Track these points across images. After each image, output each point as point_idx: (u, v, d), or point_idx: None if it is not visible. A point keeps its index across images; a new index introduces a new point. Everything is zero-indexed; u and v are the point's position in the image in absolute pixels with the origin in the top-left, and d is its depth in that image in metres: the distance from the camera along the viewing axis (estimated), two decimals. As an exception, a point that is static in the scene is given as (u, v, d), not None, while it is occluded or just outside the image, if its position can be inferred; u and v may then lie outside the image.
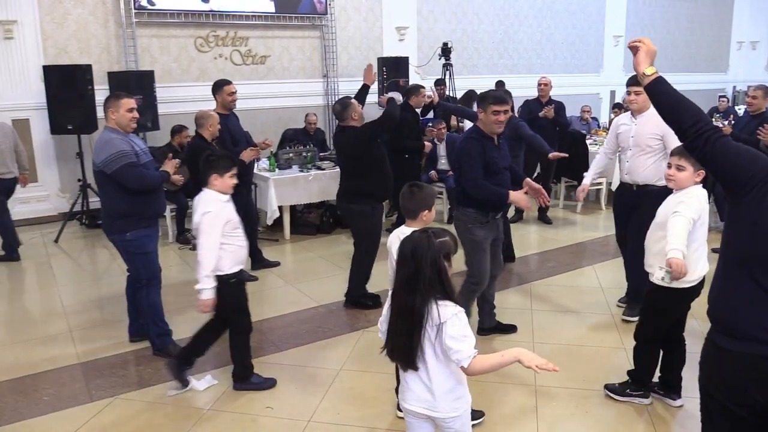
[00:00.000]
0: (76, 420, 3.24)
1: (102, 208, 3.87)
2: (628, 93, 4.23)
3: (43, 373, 3.75)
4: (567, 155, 6.02)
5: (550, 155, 5.89)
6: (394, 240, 2.93)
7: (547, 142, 7.03)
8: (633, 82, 4.02)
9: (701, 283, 3.06)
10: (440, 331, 1.99)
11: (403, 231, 2.90)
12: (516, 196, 3.74)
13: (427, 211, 2.96)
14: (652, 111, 3.85)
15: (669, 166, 3.04)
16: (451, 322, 1.99)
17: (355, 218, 4.66)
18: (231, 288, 3.32)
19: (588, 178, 4.59)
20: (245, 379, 3.51)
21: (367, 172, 4.54)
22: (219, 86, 5.29)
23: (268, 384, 3.54)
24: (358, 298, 4.70)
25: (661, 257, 2.89)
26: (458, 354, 1.99)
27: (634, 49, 2.01)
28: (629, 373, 3.39)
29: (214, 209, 3.19)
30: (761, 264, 1.77)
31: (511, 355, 2.00)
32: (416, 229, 2.48)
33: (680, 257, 2.71)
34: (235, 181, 3.31)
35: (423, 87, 6.52)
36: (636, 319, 3.56)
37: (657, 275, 2.89)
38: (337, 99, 4.82)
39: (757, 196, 1.74)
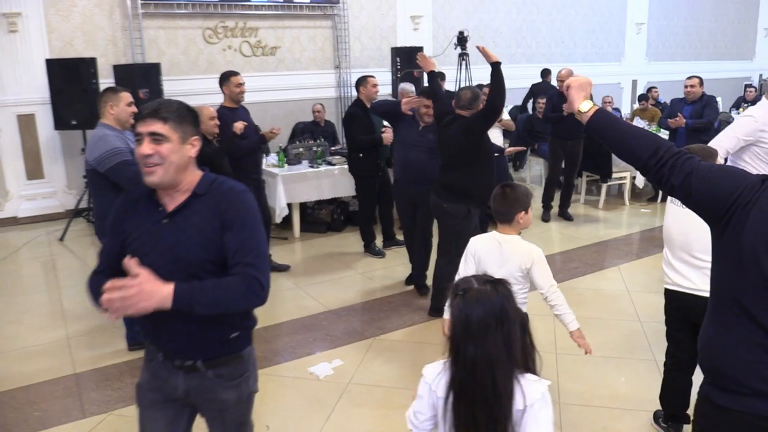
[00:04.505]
0: (66, 439, 3.04)
1: (94, 209, 3.65)
2: None
3: (36, 385, 3.55)
4: (524, 148, 6.04)
5: (506, 151, 5.89)
6: (483, 244, 2.80)
7: (575, 135, 6.77)
8: None
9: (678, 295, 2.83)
10: (523, 418, 1.56)
11: (496, 237, 2.76)
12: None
13: (523, 212, 2.69)
14: None
15: None
16: (539, 405, 1.56)
17: (445, 217, 4.12)
18: None
19: None
20: None
21: (472, 168, 4.00)
22: (226, 77, 5.03)
23: None
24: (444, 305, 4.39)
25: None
26: None
27: (566, 89, 1.76)
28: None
29: None
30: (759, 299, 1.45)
31: None
32: (514, 236, 2.69)
33: None
34: None
35: (371, 77, 5.60)
36: None
37: None
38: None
39: (741, 218, 1.45)
